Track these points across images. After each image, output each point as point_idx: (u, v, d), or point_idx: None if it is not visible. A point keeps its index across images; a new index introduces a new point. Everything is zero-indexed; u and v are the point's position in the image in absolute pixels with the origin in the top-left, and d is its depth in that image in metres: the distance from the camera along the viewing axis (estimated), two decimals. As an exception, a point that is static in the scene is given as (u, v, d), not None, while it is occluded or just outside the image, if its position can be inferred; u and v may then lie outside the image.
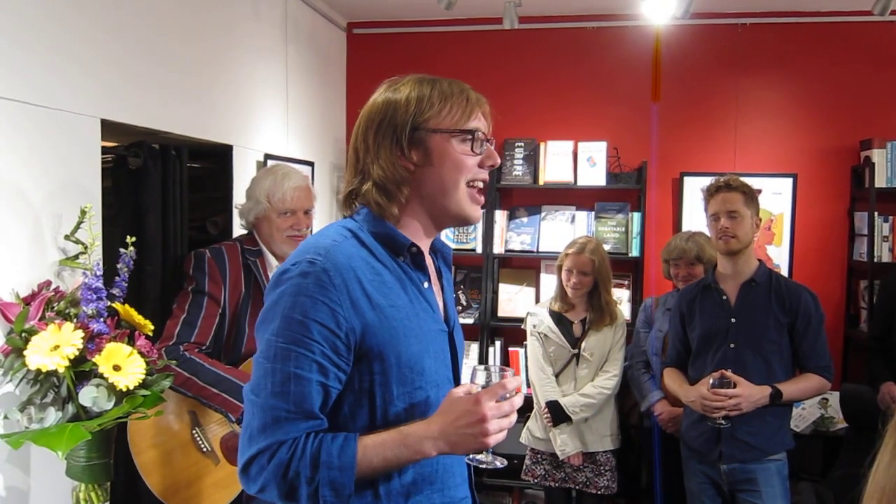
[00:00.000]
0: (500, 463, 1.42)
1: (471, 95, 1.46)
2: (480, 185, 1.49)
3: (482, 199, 1.50)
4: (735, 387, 2.76)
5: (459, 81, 1.48)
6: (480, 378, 1.36)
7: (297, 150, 4.04)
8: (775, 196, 4.45)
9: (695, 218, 4.36)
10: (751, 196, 2.88)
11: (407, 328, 1.38)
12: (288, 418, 1.29)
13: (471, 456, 1.40)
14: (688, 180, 4.53)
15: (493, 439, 1.30)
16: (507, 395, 1.32)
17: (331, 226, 1.46)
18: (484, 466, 1.40)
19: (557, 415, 3.40)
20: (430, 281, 1.50)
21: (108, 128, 2.45)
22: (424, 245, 1.52)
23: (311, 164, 4.12)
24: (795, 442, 2.95)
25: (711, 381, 2.78)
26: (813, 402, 4.08)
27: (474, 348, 4.60)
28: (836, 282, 4.43)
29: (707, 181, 3.05)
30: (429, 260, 1.56)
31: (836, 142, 4.42)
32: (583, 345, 3.48)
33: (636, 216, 4.48)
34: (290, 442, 1.28)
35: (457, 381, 1.51)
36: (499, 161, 1.51)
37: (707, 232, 3.13)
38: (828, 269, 4.45)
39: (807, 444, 3.97)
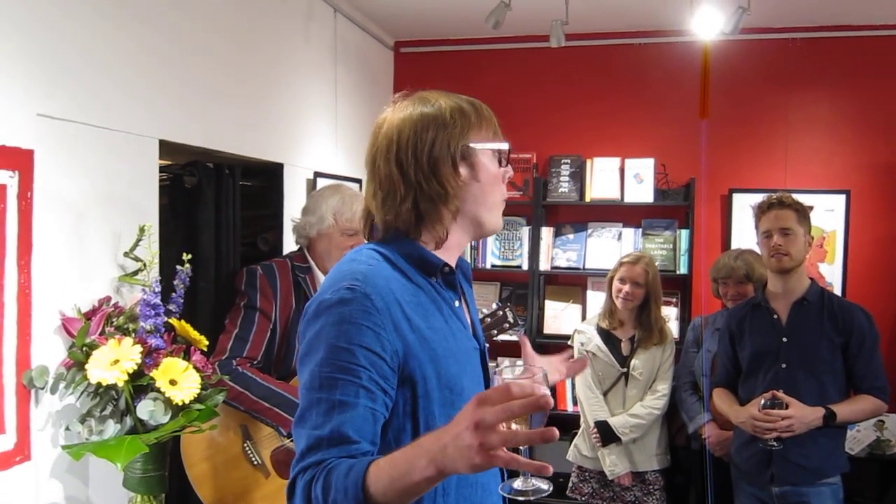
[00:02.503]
0: (545, 486, 1.14)
1: (486, 112, 1.47)
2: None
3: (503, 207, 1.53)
4: (787, 408, 2.71)
5: (470, 98, 1.49)
6: (508, 376, 1.16)
7: (346, 168, 4.10)
8: (828, 213, 4.37)
9: (744, 235, 4.31)
10: (803, 214, 2.84)
11: (445, 349, 1.37)
12: (321, 444, 1.23)
13: (503, 484, 1.21)
14: (737, 197, 4.48)
15: (493, 456, 1.02)
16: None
17: (360, 250, 1.43)
18: (522, 499, 1.14)
19: (607, 435, 3.37)
20: (460, 300, 1.50)
21: (165, 148, 2.52)
22: (453, 263, 1.51)
23: (359, 181, 4.18)
24: (850, 465, 2.88)
25: (763, 401, 2.73)
26: (868, 425, 3.97)
27: (520, 365, 4.58)
28: (891, 300, 4.32)
29: (757, 198, 3.01)
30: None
31: (890, 157, 4.34)
32: (632, 363, 3.44)
33: (684, 233, 4.44)
34: (318, 465, 1.22)
35: None
36: (512, 174, 1.54)
37: (757, 249, 3.09)
38: (883, 287, 4.34)
39: (862, 468, 3.87)
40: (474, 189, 1.43)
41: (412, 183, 1.40)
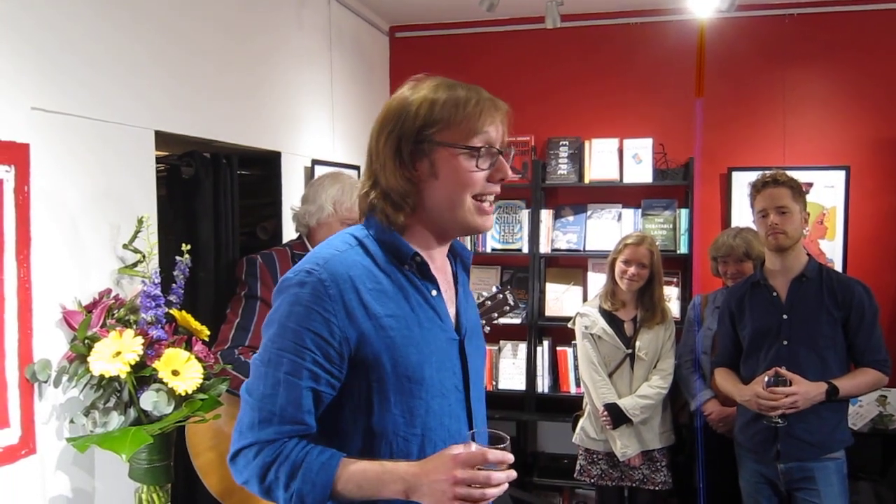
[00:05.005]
0: None
1: (485, 105, 1.41)
2: (490, 198, 1.45)
3: (491, 209, 1.47)
4: (790, 384, 2.71)
5: (479, 88, 1.44)
6: (476, 445, 1.32)
7: (343, 155, 4.09)
8: (827, 189, 4.36)
9: (744, 213, 4.30)
10: (798, 191, 2.83)
11: (406, 338, 1.38)
12: (272, 420, 1.33)
13: None
14: (736, 175, 4.47)
15: None
16: (492, 467, 1.27)
17: (339, 234, 1.47)
18: None
19: (618, 417, 3.39)
20: (439, 289, 1.49)
21: (162, 138, 2.52)
22: (436, 252, 1.51)
23: (356, 167, 4.17)
24: (853, 440, 2.89)
25: (766, 378, 2.74)
26: (870, 400, 3.98)
27: (522, 348, 4.60)
28: (892, 274, 4.32)
29: (755, 176, 3.00)
30: (444, 266, 1.56)
31: (889, 132, 4.32)
32: (637, 344, 3.46)
33: (684, 213, 4.43)
34: (276, 444, 1.33)
35: (467, 390, 1.50)
36: (509, 175, 1.47)
37: (755, 228, 3.09)
38: (884, 262, 4.34)
39: (865, 443, 3.88)
40: (434, 186, 1.42)
41: (374, 172, 1.45)
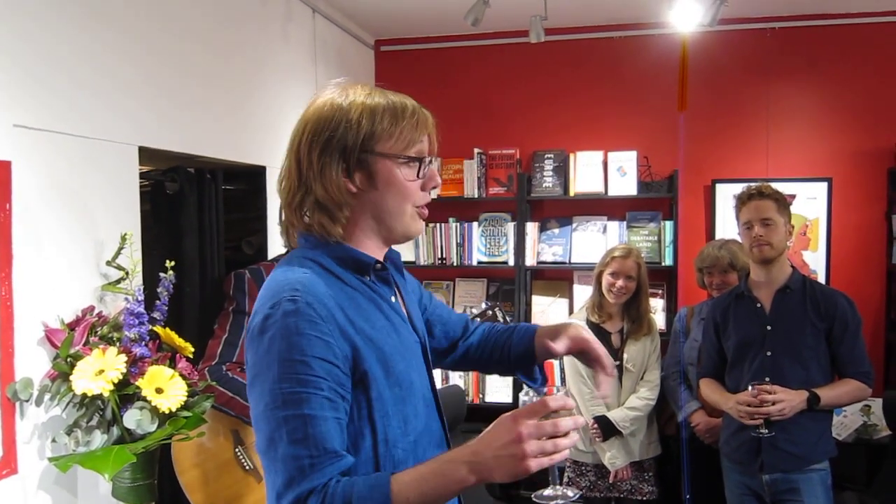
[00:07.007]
0: (571, 494, 1.30)
1: (420, 116, 1.40)
2: (424, 204, 1.45)
3: (425, 213, 1.45)
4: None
5: (407, 97, 1.42)
6: (528, 400, 1.27)
7: (329, 169, 4.08)
8: (810, 201, 4.40)
9: (728, 225, 4.34)
10: (783, 203, 2.86)
11: (392, 346, 1.36)
12: (313, 465, 1.20)
13: (537, 493, 1.30)
14: (720, 187, 4.50)
15: (535, 462, 1.16)
16: (553, 416, 1.19)
17: (290, 259, 1.39)
18: (554, 503, 1.29)
19: (608, 429, 3.40)
20: (396, 294, 1.48)
21: (145, 154, 2.51)
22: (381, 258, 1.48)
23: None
24: (838, 450, 2.90)
25: (751, 388, 2.76)
26: (855, 410, 4.01)
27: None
28: (875, 286, 4.37)
29: (740, 188, 3.02)
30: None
31: (870, 144, 4.37)
32: (624, 356, 3.47)
33: (668, 225, 4.45)
34: (319, 488, 1.19)
35: (433, 390, 1.48)
36: (440, 182, 1.45)
37: (740, 239, 3.11)
38: (867, 274, 4.38)
39: (850, 453, 3.90)
40: (373, 197, 1.38)
41: (307, 181, 1.37)
